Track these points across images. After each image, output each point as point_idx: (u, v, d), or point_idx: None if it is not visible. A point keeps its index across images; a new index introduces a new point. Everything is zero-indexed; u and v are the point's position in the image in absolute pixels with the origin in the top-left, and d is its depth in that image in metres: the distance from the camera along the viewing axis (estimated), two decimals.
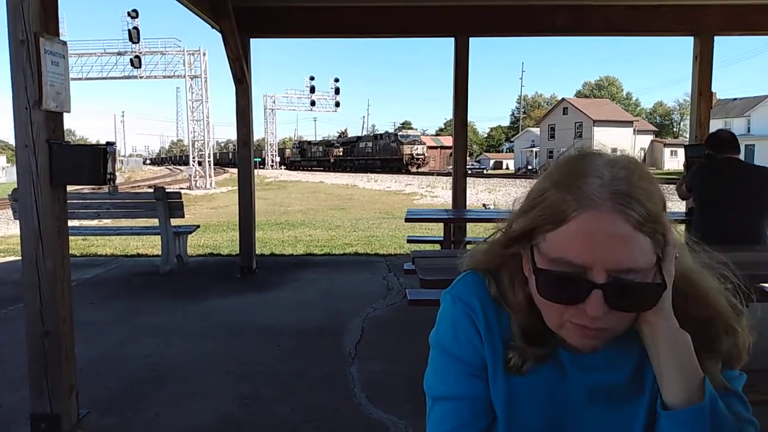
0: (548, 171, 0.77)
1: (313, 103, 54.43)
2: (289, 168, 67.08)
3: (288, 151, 75.13)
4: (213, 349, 3.89)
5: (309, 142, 74.74)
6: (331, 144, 68.24)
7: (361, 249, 7.89)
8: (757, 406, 0.81)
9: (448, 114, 5.82)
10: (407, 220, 5.10)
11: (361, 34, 6.56)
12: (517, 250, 0.79)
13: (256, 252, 6.55)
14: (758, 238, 3.52)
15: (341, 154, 63.30)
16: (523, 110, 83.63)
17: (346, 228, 11.29)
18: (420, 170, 50.95)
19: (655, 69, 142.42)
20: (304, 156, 69.73)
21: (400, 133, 56.66)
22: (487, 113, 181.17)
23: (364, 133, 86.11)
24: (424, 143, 55.93)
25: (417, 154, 52.41)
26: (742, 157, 3.87)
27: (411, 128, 76.45)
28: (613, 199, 0.69)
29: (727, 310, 0.78)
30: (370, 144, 58.31)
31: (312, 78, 53.05)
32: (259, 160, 60.25)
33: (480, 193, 23.03)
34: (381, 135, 58.26)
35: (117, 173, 3.16)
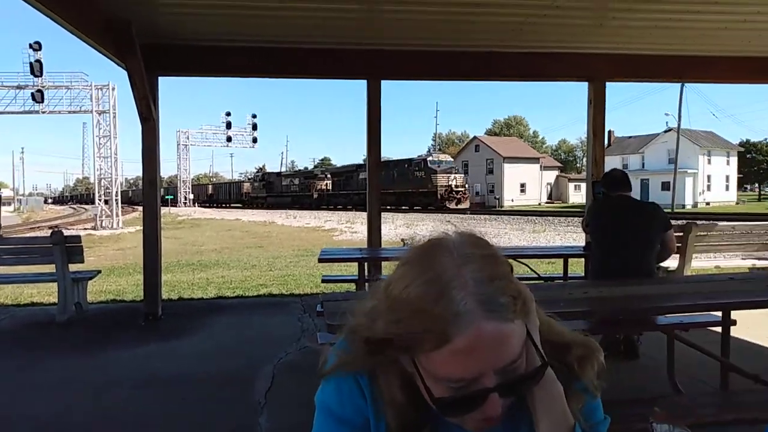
0: (407, 278, 0.75)
1: (229, 139, 53.56)
2: (235, 206, 61.38)
3: (246, 186, 64.61)
4: (113, 406, 3.61)
5: (278, 174, 63.03)
6: (312, 175, 56.75)
7: (276, 289, 7.71)
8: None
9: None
10: (320, 260, 5.04)
11: (274, 74, 6.54)
12: (390, 355, 0.77)
13: (163, 297, 6.22)
14: (649, 272, 3.76)
15: (329, 187, 52.57)
16: (438, 147, 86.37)
17: (262, 267, 11.01)
18: (458, 207, 40.42)
19: (559, 109, 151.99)
20: (271, 190, 58.48)
21: (430, 158, 44.48)
22: (406, 150, 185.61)
23: (284, 169, 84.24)
24: (461, 172, 45.69)
25: (456, 186, 41.23)
26: (638, 190, 4.18)
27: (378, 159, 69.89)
28: (482, 307, 0.70)
29: (580, 337, 0.85)
30: (382, 173, 51.54)
31: (228, 114, 52.39)
32: (171, 197, 58.00)
33: (399, 228, 23.36)
34: (400, 162, 46.54)
35: (15, 214, 2.90)
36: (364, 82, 6.12)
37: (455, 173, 42.39)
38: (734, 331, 3.89)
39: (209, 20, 5.25)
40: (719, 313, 3.13)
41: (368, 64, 6.02)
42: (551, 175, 63.01)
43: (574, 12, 4.99)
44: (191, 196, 63.02)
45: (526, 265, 5.05)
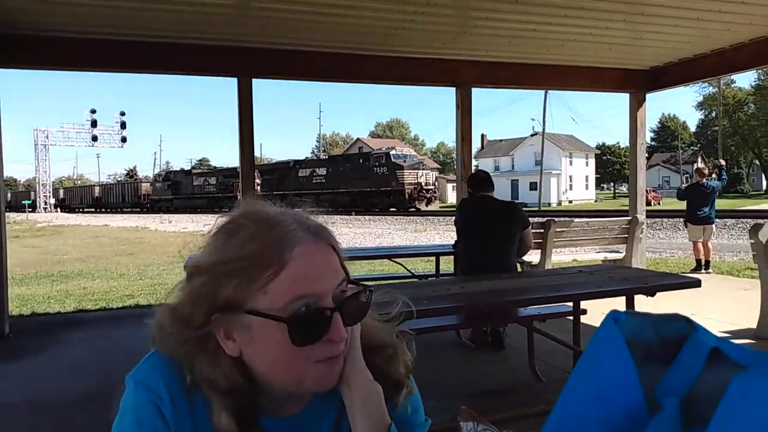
0: (228, 233, 0.77)
1: (95, 138, 49.59)
2: (82, 211, 54.90)
3: (145, 186, 55.33)
4: None
5: (188, 172, 54.11)
6: (235, 173, 44.41)
7: (144, 300, 7.23)
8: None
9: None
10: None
11: (137, 70, 6.13)
12: (218, 324, 0.74)
13: (11, 313, 5.60)
14: (510, 267, 3.99)
15: (256, 187, 49.66)
16: (322, 148, 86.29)
17: (130, 276, 10.30)
18: (428, 207, 34.96)
19: (438, 112, 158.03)
20: (179, 191, 50.22)
21: (393, 152, 37.56)
22: (289, 152, 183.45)
23: (157, 170, 77.81)
24: (428, 168, 39.40)
25: (427, 184, 35.77)
26: (509, 190, 4.42)
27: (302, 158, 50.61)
28: (309, 231, 0.76)
29: (390, 339, 0.86)
30: (329, 170, 39.13)
31: (93, 111, 48.43)
32: (29, 202, 52.63)
33: (357, 237, 23.04)
34: (353, 156, 41.33)
35: None
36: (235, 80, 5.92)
37: (423, 169, 36.66)
38: (590, 319, 4.24)
39: (61, 9, 4.79)
40: (571, 304, 3.38)
41: (239, 61, 5.83)
42: (431, 176, 65.38)
43: (439, 19, 5.17)
44: (52, 201, 56.60)
45: (401, 264, 5.16)
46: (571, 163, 54.29)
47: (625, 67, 7.26)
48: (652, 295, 2.92)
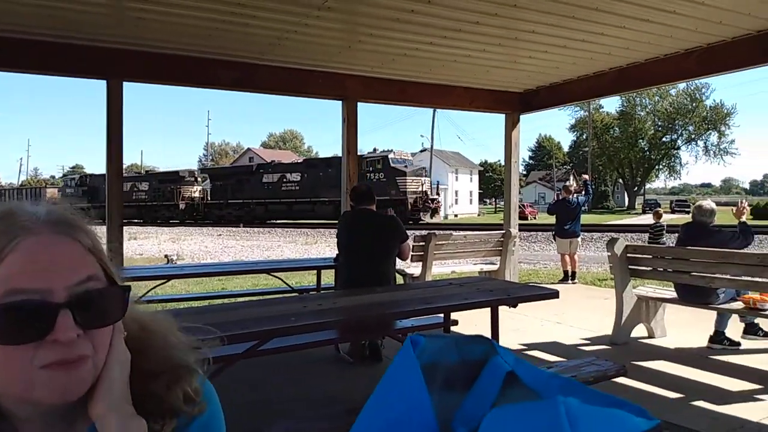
0: None
1: None
2: None
3: (51, 192, 46.80)
4: None
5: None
6: (175, 177, 40.13)
7: None
8: None
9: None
10: None
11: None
12: None
13: None
14: (388, 280, 4.03)
15: (205, 194, 38.93)
16: (210, 157, 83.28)
17: None
18: (432, 220, 30.90)
19: (332, 124, 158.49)
20: (98, 198, 41.17)
21: (391, 155, 32.21)
22: (174, 161, 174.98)
23: (24, 178, 68.99)
24: (428, 175, 34.45)
25: (431, 193, 31.76)
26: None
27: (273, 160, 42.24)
28: (46, 226, 0.69)
29: (183, 351, 0.78)
30: (305, 175, 33.30)
31: None
32: None
33: (163, 243, 21.79)
34: (338, 160, 31.86)
35: None
36: (104, 83, 5.53)
37: (425, 176, 32.46)
38: (463, 328, 4.39)
39: None
40: (443, 315, 3.47)
41: (109, 63, 5.45)
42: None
43: (325, 32, 5.17)
44: None
45: (280, 278, 5.05)
46: (456, 179, 56.63)
47: (501, 89, 7.69)
48: (515, 306, 3.07)
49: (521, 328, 5.82)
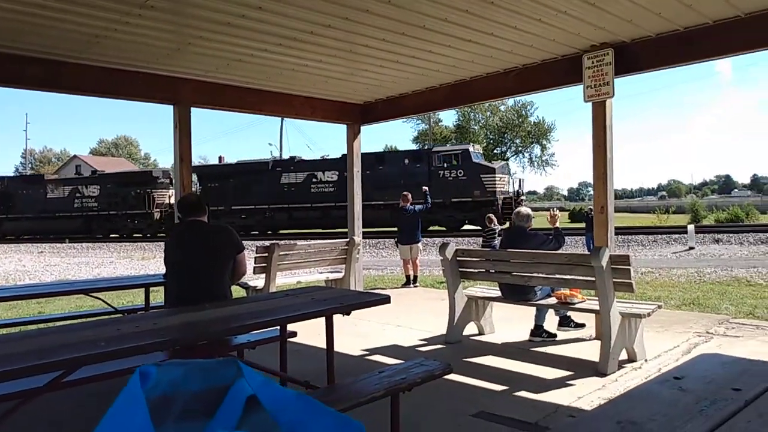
0: None
1: None
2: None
3: None
4: None
5: (36, 178, 37.16)
6: (143, 179, 32.46)
7: None
8: None
9: None
10: None
11: None
12: None
13: None
14: (223, 295, 3.84)
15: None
16: (30, 166, 74.34)
17: None
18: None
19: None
20: (13, 207, 33.88)
21: (472, 150, 27.07)
22: None
23: None
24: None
25: (519, 194, 26.25)
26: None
27: None
28: None
29: None
30: (344, 175, 19.29)
31: None
32: None
33: None
34: (401, 154, 29.50)
35: None
36: None
37: (505, 173, 27.03)
38: (305, 339, 4.33)
39: None
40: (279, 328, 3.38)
41: None
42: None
43: (151, 31, 4.84)
44: None
45: (100, 298, 4.59)
46: None
47: (342, 100, 7.80)
48: (348, 313, 3.09)
49: (364, 333, 5.92)
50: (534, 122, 61.58)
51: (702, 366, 1.90)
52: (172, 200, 31.00)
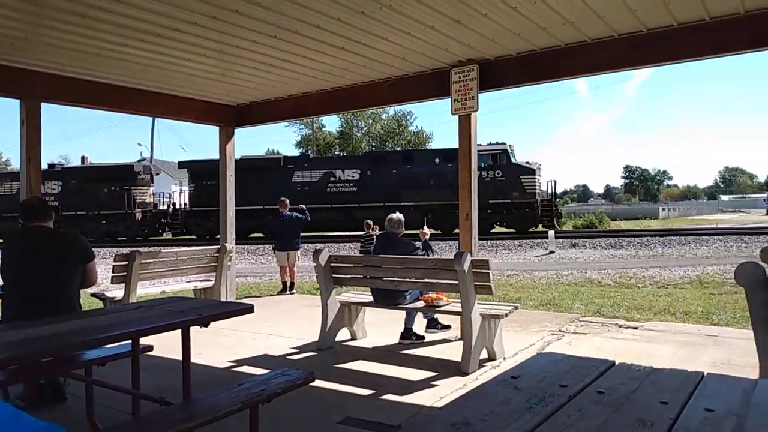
0: None
1: None
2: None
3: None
4: None
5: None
6: (119, 174, 28.54)
7: None
8: None
9: None
10: None
11: None
12: None
13: None
14: (70, 307, 3.53)
15: (182, 201, 28.78)
16: None
17: None
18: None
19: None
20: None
21: (509, 149, 25.71)
22: None
23: None
24: None
25: (554, 197, 25.40)
26: None
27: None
28: None
29: None
30: (367, 173, 25.57)
31: None
32: None
33: None
34: (432, 153, 27.36)
35: None
36: None
37: (540, 175, 25.82)
38: (163, 352, 4.09)
39: None
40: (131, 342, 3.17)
41: None
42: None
43: None
44: None
45: None
46: (182, 191, 53.92)
47: (214, 101, 7.54)
48: (206, 325, 2.97)
49: (234, 344, 5.73)
50: (414, 131, 63.64)
51: (537, 364, 2.05)
52: (152, 199, 29.36)
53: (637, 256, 16.83)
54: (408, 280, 5.17)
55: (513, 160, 24.84)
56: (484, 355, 5.05)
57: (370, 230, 11.19)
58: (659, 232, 22.92)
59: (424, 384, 4.46)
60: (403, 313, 5.72)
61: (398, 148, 60.99)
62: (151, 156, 42.32)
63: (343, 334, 5.89)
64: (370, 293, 5.78)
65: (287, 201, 9.84)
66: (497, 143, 25.93)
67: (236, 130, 8.06)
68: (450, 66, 6.01)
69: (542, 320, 6.75)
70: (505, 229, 24.87)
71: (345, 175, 26.05)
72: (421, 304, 5.43)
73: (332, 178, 26.05)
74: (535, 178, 24.37)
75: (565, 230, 24.86)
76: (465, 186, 6.09)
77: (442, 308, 5.26)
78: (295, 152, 62.57)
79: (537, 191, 24.47)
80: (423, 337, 5.81)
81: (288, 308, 7.91)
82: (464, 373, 4.65)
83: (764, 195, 70.44)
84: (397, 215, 5.91)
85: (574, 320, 6.75)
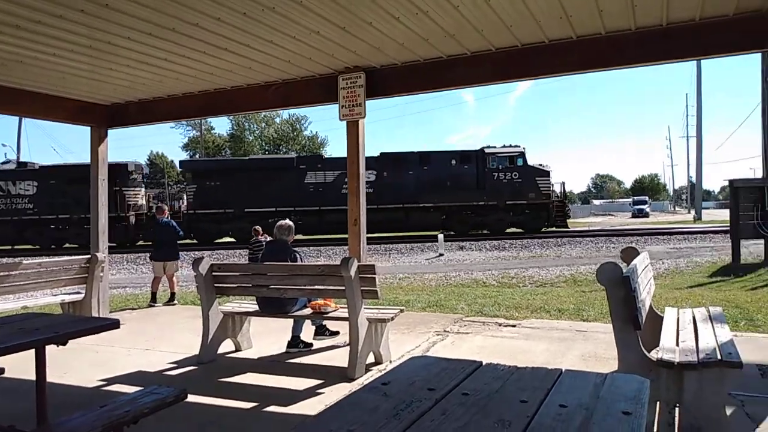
0: None
1: None
2: None
3: None
4: None
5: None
6: (139, 175, 26.14)
7: None
8: None
9: None
10: None
11: None
12: None
13: None
14: None
15: (181, 202, 26.56)
16: None
17: None
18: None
19: None
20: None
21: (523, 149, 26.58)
22: None
23: None
24: None
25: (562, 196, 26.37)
26: None
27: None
28: None
29: None
30: (384, 174, 25.17)
31: None
32: None
33: None
34: (448, 155, 26.44)
35: None
36: None
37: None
38: (21, 374, 3.70)
39: None
40: None
41: None
42: None
43: None
44: None
45: None
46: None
47: (85, 100, 7.01)
48: (64, 343, 2.72)
49: (105, 360, 5.33)
50: (308, 136, 63.29)
51: (408, 369, 2.07)
52: (144, 201, 26.92)
53: (518, 257, 17.85)
54: (295, 287, 5.09)
55: (530, 163, 25.98)
56: (371, 359, 5.08)
57: (259, 236, 10.91)
58: (538, 235, 24.46)
59: (310, 392, 4.40)
60: (290, 322, 5.61)
61: (293, 153, 60.34)
62: (18, 158, 38.55)
63: (227, 346, 5.67)
64: (255, 302, 5.61)
65: (165, 207, 9.31)
66: (511, 146, 26.92)
67: (113, 131, 7.55)
68: (338, 72, 6.02)
69: (428, 322, 6.92)
70: (480, 230, 26.10)
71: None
72: (308, 311, 5.36)
73: (347, 180, 24.81)
74: (549, 180, 25.55)
75: (453, 233, 25.82)
76: (353, 192, 6.12)
77: (330, 314, 5.22)
78: (183, 155, 59.78)
79: (550, 192, 25.72)
80: (311, 345, 5.74)
81: (168, 320, 7.49)
82: (351, 379, 4.65)
83: (629, 200, 77.78)
84: (287, 222, 5.80)
85: (458, 320, 7.00)
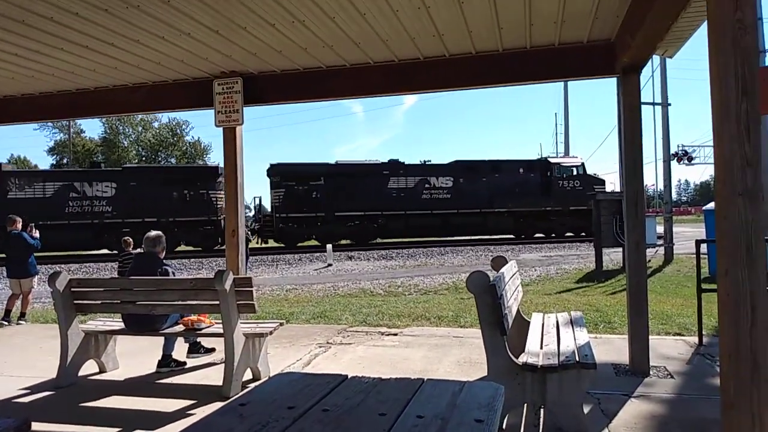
0: None
1: None
2: None
3: None
4: None
5: None
6: (187, 171, 26.98)
7: None
8: None
9: None
10: None
11: None
12: None
13: None
14: None
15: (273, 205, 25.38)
16: None
17: None
18: None
19: None
20: None
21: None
22: None
23: None
24: None
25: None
26: None
27: None
28: None
29: None
30: (460, 180, 26.96)
31: None
32: None
33: None
34: (504, 164, 28.24)
35: None
36: None
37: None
38: None
39: None
40: None
41: None
42: None
43: None
44: None
45: None
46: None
47: None
48: None
49: None
50: (190, 142, 60.67)
51: (270, 387, 2.01)
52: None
53: (405, 266, 18.25)
54: (164, 302, 4.79)
55: (588, 172, 28.73)
56: (249, 375, 4.90)
57: (129, 248, 10.17)
58: (423, 244, 25.22)
59: (181, 414, 4.15)
60: (161, 340, 5.28)
61: (172, 160, 57.42)
62: None
63: (90, 368, 5.22)
64: (121, 319, 5.22)
65: (17, 218, 8.32)
66: (572, 156, 30.79)
67: None
68: (213, 77, 5.80)
69: (312, 334, 6.83)
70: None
71: (439, 182, 27.27)
72: (180, 328, 5.07)
73: (427, 185, 27.14)
74: (604, 188, 27.83)
75: (342, 243, 25.98)
76: (231, 199, 5.91)
77: (203, 331, 4.98)
78: (48, 159, 55.19)
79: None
80: (184, 363, 5.44)
81: (22, 342, 6.77)
82: (226, 398, 4.44)
83: None
84: (155, 233, 5.46)
85: (342, 331, 6.97)
